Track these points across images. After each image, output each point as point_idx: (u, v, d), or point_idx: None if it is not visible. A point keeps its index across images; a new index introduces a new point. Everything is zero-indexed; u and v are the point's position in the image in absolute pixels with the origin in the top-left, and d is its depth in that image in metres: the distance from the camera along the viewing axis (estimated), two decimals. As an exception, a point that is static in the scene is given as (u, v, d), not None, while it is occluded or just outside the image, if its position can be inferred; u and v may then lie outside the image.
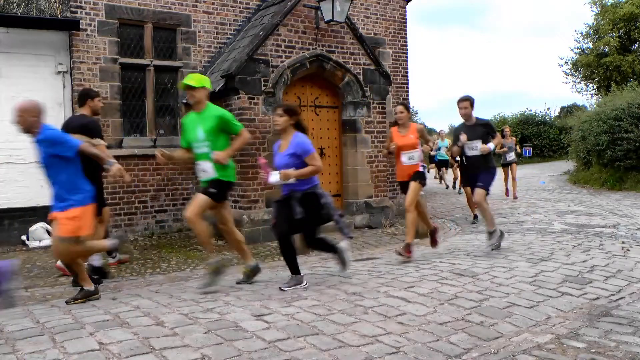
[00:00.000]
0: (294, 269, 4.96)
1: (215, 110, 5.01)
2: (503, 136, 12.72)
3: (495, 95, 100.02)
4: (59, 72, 8.72)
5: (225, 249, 8.01)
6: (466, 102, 6.49)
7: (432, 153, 16.81)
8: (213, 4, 9.87)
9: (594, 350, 3.42)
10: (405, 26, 12.52)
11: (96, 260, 5.97)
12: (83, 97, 6.25)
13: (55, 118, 8.75)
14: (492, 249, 6.39)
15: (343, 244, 5.23)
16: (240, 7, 10.18)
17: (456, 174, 15.44)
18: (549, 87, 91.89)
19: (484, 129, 6.48)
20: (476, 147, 6.38)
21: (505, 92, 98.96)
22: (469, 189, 8.68)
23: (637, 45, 26.21)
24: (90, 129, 5.97)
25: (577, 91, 39.71)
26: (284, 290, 4.76)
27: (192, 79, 4.96)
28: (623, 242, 7.00)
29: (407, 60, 12.59)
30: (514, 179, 12.96)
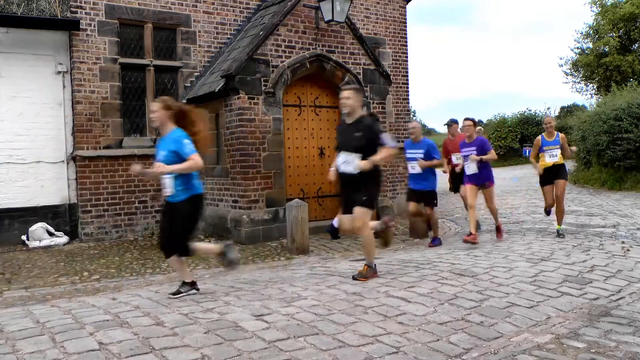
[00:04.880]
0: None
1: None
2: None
3: (495, 95, 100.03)
4: (59, 72, 8.72)
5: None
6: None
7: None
8: (213, 4, 9.87)
9: (594, 350, 3.42)
10: (405, 26, 12.53)
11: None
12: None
13: (54, 118, 8.78)
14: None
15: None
16: (240, 7, 10.18)
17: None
18: (548, 87, 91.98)
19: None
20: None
21: (505, 92, 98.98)
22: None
23: (637, 45, 26.20)
24: None
25: (577, 91, 39.79)
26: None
27: None
28: (623, 242, 7.00)
29: (407, 60, 12.59)
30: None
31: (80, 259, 7.34)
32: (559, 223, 7.80)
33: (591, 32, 27.05)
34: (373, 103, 9.90)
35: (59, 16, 8.71)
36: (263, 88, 8.60)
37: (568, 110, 32.39)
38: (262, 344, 3.37)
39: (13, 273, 6.57)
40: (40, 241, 8.31)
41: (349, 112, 5.12)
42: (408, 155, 7.80)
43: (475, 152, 7.38)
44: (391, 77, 11.03)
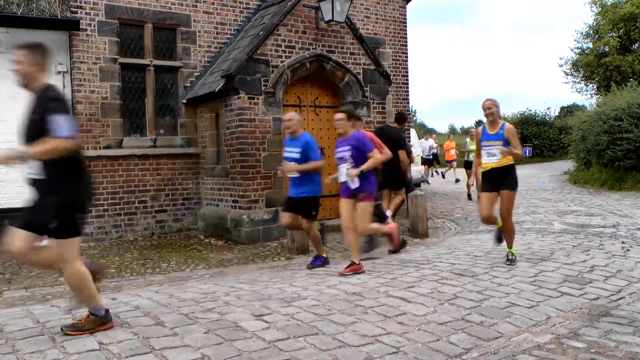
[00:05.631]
0: None
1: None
2: None
3: (495, 95, 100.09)
4: (59, 72, 8.72)
5: (224, 248, 8.01)
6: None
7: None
8: (213, 4, 9.87)
9: (594, 350, 3.42)
10: (405, 26, 12.54)
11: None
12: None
13: (55, 118, 8.77)
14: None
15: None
16: (240, 7, 10.18)
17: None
18: (548, 87, 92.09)
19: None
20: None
21: (505, 92, 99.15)
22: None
23: (637, 45, 26.20)
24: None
25: (577, 91, 39.82)
26: None
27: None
28: (623, 242, 7.00)
29: (407, 60, 12.60)
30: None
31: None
32: (509, 245, 5.87)
33: (591, 32, 27.06)
34: (373, 103, 9.90)
35: (59, 16, 8.71)
36: (263, 88, 8.60)
37: (568, 110, 32.42)
38: (262, 344, 3.37)
39: (13, 273, 6.57)
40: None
41: (25, 82, 3.52)
42: (285, 155, 6.29)
43: (349, 152, 5.61)
44: (391, 77, 11.03)
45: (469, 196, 13.14)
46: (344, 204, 5.75)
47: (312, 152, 6.09)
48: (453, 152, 20.14)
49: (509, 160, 5.68)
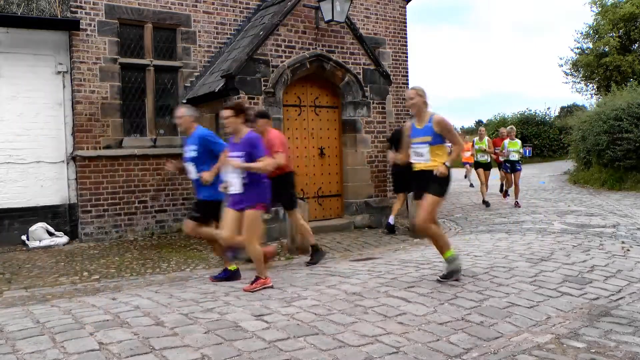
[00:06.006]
0: None
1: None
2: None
3: (495, 95, 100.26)
4: (59, 72, 8.72)
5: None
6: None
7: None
8: (213, 4, 9.87)
9: (594, 350, 3.42)
10: (405, 26, 12.54)
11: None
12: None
13: (54, 118, 8.78)
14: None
15: None
16: (240, 7, 10.18)
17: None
18: (548, 87, 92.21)
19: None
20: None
21: (505, 92, 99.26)
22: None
23: (637, 45, 26.19)
24: None
25: (577, 91, 39.79)
26: None
27: None
28: (623, 242, 7.00)
29: (407, 60, 12.60)
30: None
31: (80, 259, 7.34)
32: (442, 251, 4.92)
33: (591, 32, 27.05)
34: (373, 103, 9.90)
35: (59, 16, 8.71)
36: (263, 88, 8.60)
37: (568, 110, 32.43)
38: (262, 344, 3.37)
39: (13, 273, 6.57)
40: (40, 241, 8.31)
41: None
42: (185, 156, 5.62)
43: (242, 159, 4.77)
44: (391, 77, 11.03)
45: (486, 203, 11.67)
46: (231, 215, 4.94)
47: (212, 144, 5.41)
48: (469, 154, 18.82)
49: (439, 161, 4.77)
